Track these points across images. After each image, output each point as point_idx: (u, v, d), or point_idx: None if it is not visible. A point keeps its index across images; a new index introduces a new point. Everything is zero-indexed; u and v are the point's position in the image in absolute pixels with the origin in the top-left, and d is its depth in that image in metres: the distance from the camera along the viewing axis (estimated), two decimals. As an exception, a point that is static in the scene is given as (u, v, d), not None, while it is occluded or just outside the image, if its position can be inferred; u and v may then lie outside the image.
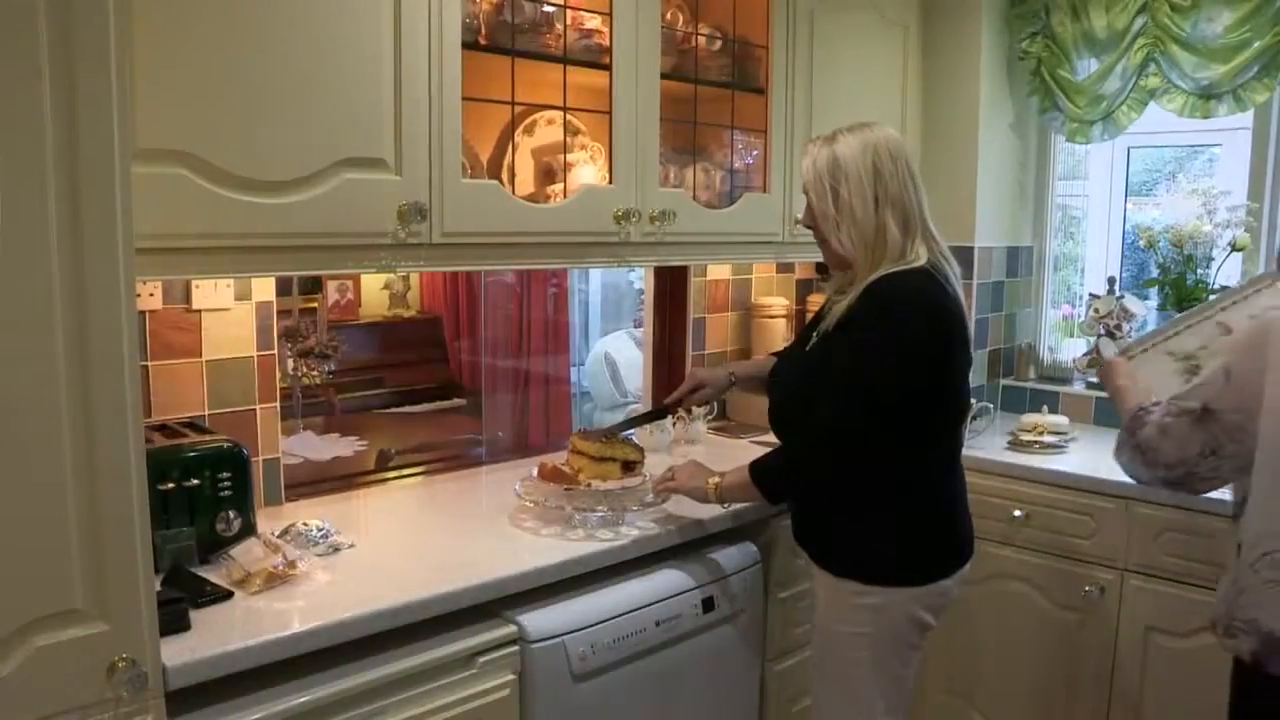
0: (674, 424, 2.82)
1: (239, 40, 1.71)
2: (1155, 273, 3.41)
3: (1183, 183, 3.52)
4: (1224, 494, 2.05)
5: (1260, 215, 3.28)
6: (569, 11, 2.26)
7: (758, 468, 2.10)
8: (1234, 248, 3.26)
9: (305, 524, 2.01)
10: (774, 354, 2.54)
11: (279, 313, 2.28)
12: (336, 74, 1.84)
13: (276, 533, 1.97)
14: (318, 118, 1.82)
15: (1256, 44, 3.04)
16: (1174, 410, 1.94)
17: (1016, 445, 3.06)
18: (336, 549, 1.99)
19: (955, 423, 2.15)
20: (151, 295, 2.04)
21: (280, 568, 1.80)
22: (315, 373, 3.41)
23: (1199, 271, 3.31)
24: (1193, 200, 3.33)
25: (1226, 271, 3.33)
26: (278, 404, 2.27)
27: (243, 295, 2.17)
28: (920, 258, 2.02)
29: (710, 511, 2.28)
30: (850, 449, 2.01)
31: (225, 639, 1.57)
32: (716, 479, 2.17)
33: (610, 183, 2.30)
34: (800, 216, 2.17)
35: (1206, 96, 3.19)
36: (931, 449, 2.09)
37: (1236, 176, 3.40)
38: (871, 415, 1.97)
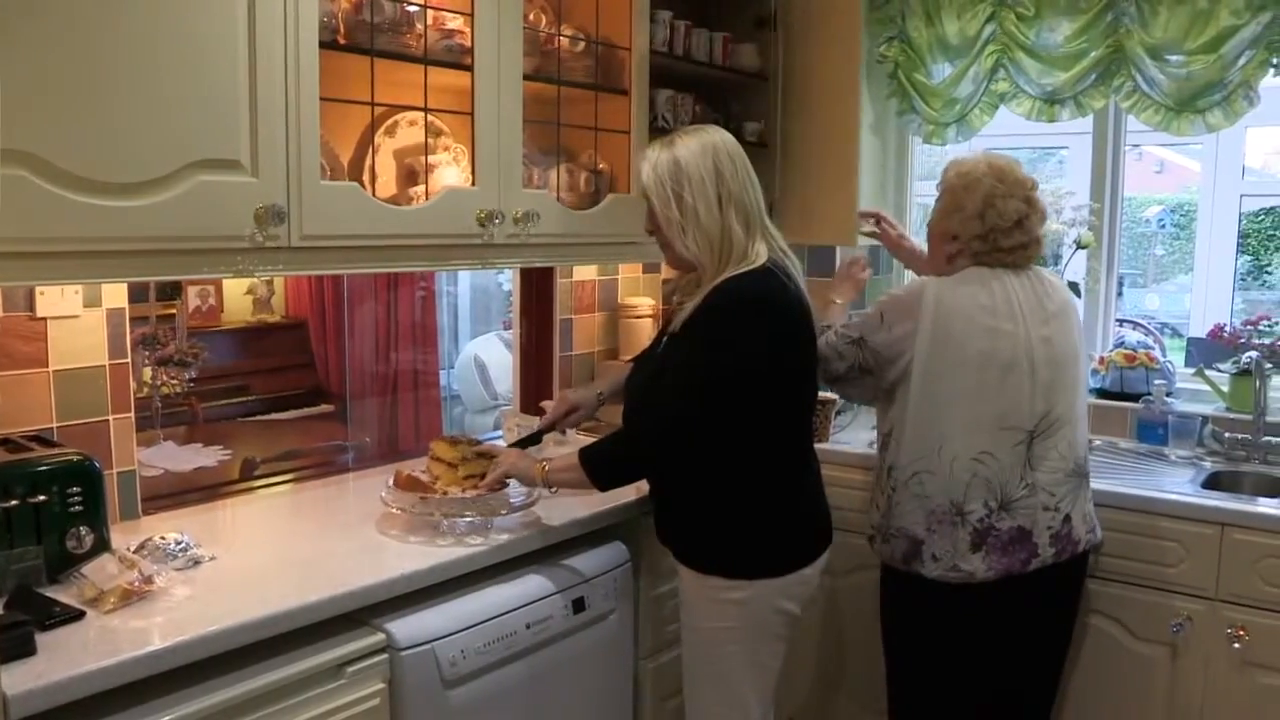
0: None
1: (83, 36, 1.64)
2: (1008, 269, 3.54)
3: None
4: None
5: (1102, 214, 3.45)
6: (430, 11, 2.24)
7: (588, 452, 2.13)
8: (1079, 245, 3.42)
9: (163, 538, 1.95)
10: (631, 360, 2.57)
11: (135, 319, 2.20)
12: (188, 73, 1.78)
13: (132, 548, 1.90)
14: (169, 118, 1.76)
15: (1093, 53, 3.20)
16: (840, 333, 2.41)
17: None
18: (197, 562, 1.93)
19: (804, 414, 2.22)
20: (-9, 303, 1.95)
21: (136, 584, 1.74)
22: (175, 381, 3.30)
23: (1049, 267, 3.46)
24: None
25: (1074, 267, 3.49)
26: (133, 414, 2.19)
27: (92, 302, 2.09)
28: (761, 256, 2.08)
29: (578, 513, 2.30)
30: (684, 440, 2.05)
31: (77, 661, 1.52)
32: (544, 463, 2.18)
33: (473, 184, 2.29)
34: (645, 222, 2.19)
35: (1051, 101, 3.34)
36: (782, 441, 2.16)
37: (1083, 177, 3.57)
38: (708, 411, 2.03)
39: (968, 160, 2.43)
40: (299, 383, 5.14)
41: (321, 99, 1.99)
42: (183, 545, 1.94)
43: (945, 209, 2.40)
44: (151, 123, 1.74)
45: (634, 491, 2.36)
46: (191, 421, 3.74)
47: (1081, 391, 2.41)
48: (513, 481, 2.26)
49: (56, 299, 2.03)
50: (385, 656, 1.87)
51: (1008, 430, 2.25)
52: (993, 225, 2.31)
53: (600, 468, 2.12)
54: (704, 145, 2.09)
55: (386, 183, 2.34)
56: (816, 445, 2.34)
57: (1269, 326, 3.25)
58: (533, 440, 2.48)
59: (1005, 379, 2.25)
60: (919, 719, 2.51)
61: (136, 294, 2.39)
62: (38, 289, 1.99)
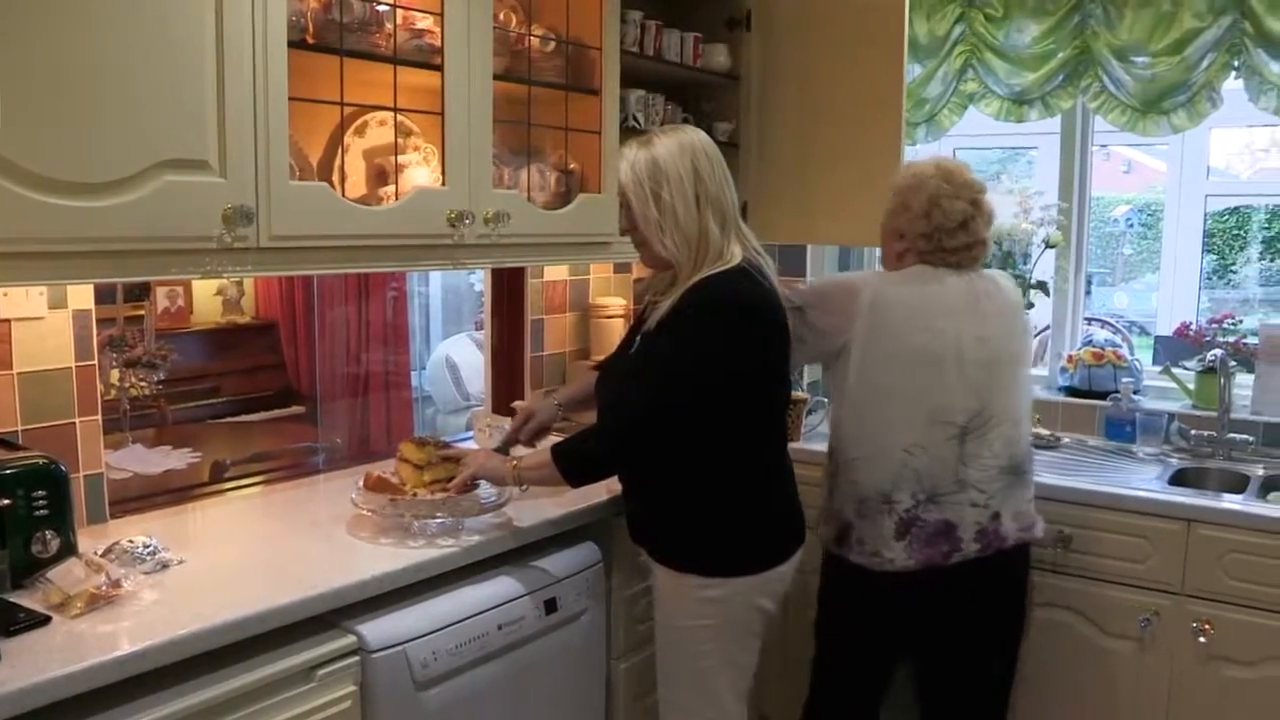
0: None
1: (47, 33, 1.62)
2: (978, 268, 3.57)
3: (1006, 183, 3.70)
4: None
5: (1070, 214, 3.48)
6: (399, 11, 2.23)
7: (560, 449, 2.12)
8: (1048, 244, 3.46)
9: (131, 541, 1.93)
10: (594, 367, 2.58)
11: (102, 321, 2.18)
12: (155, 72, 1.76)
13: (100, 551, 1.88)
14: (135, 118, 1.74)
15: (1060, 54, 3.24)
16: (785, 296, 2.35)
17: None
18: (165, 565, 1.91)
19: (779, 413, 2.23)
20: (-47, 305, 1.93)
21: (103, 588, 1.72)
22: (144, 383, 3.28)
23: (1019, 267, 3.49)
24: (1010, 200, 3.51)
25: (1043, 267, 3.53)
26: (99, 417, 2.17)
27: (58, 303, 2.07)
28: (736, 256, 2.09)
29: (550, 513, 2.30)
30: (658, 437, 2.06)
31: (43, 667, 1.50)
32: (514, 461, 2.17)
33: (443, 184, 2.28)
34: (621, 222, 2.20)
35: (1019, 102, 3.38)
36: (758, 439, 2.17)
37: (1052, 177, 3.61)
38: (682, 409, 2.03)
39: (918, 162, 2.47)
40: (269, 384, 5.11)
41: (290, 99, 1.97)
42: (151, 548, 1.92)
43: (894, 208, 2.44)
44: (117, 122, 1.72)
45: (605, 491, 2.36)
46: (160, 423, 3.71)
47: (1020, 392, 2.44)
48: (483, 482, 2.25)
49: (20, 300, 2.01)
50: (356, 659, 1.86)
51: (940, 425, 2.31)
52: (938, 225, 2.35)
53: (573, 464, 2.11)
54: (682, 145, 2.10)
55: (356, 183, 2.33)
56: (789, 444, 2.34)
57: (1233, 325, 3.30)
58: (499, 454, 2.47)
59: (938, 375, 2.30)
60: (834, 703, 2.57)
61: (104, 295, 2.36)
62: (1, 290, 1.97)
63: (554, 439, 2.29)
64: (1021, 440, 2.42)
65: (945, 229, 2.35)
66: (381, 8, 2.20)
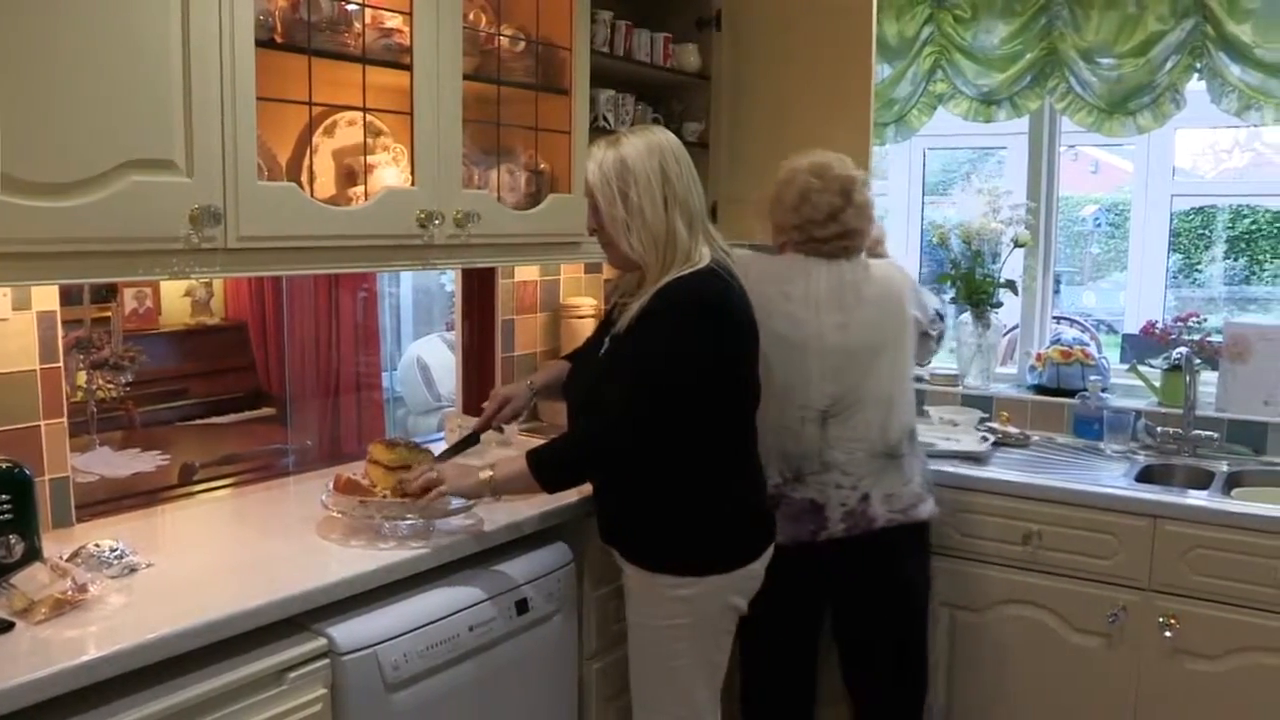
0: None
1: (11, 34, 1.61)
2: (949, 268, 3.60)
3: (976, 183, 3.73)
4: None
5: (1038, 213, 3.51)
6: (368, 10, 2.22)
7: (535, 456, 2.09)
8: (1016, 243, 3.48)
9: (97, 545, 1.91)
10: (566, 357, 2.57)
11: (68, 322, 2.16)
12: (120, 71, 1.75)
13: (65, 556, 1.86)
14: (100, 117, 1.73)
15: (1028, 55, 3.27)
16: None
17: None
18: (133, 569, 1.90)
19: (749, 412, 2.23)
20: (-86, 307, 1.90)
21: (69, 593, 1.71)
22: (111, 385, 3.24)
23: (988, 266, 3.52)
24: (980, 199, 3.54)
25: (1011, 265, 3.55)
26: (65, 419, 2.15)
27: (22, 304, 2.04)
28: (704, 258, 2.09)
29: (520, 514, 2.29)
30: (633, 440, 2.06)
31: (6, 674, 1.48)
32: (489, 472, 2.11)
33: (413, 185, 2.27)
34: (588, 221, 2.20)
35: (988, 102, 3.41)
36: (728, 438, 2.17)
37: (1021, 177, 3.64)
38: (656, 412, 2.03)
39: (796, 158, 2.54)
40: (239, 386, 5.05)
41: (258, 99, 1.96)
42: (118, 552, 1.91)
43: (771, 203, 2.55)
44: (82, 122, 1.71)
45: (575, 493, 2.36)
46: (128, 426, 3.67)
47: (890, 377, 2.51)
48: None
49: (-16, 302, 1.99)
50: (327, 661, 1.85)
51: (801, 408, 2.43)
52: (807, 218, 2.47)
53: (548, 471, 2.09)
54: (650, 146, 2.10)
55: (325, 183, 2.32)
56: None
57: (1198, 323, 3.33)
58: (471, 441, 2.46)
59: (799, 361, 2.39)
60: (761, 673, 2.66)
61: (69, 297, 2.34)
62: (-36, 292, 1.95)
63: (521, 430, 2.26)
64: (895, 425, 2.49)
65: (814, 221, 2.46)
66: (350, 7, 2.20)
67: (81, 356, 2.79)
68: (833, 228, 2.46)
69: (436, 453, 2.36)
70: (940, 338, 2.76)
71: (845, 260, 2.50)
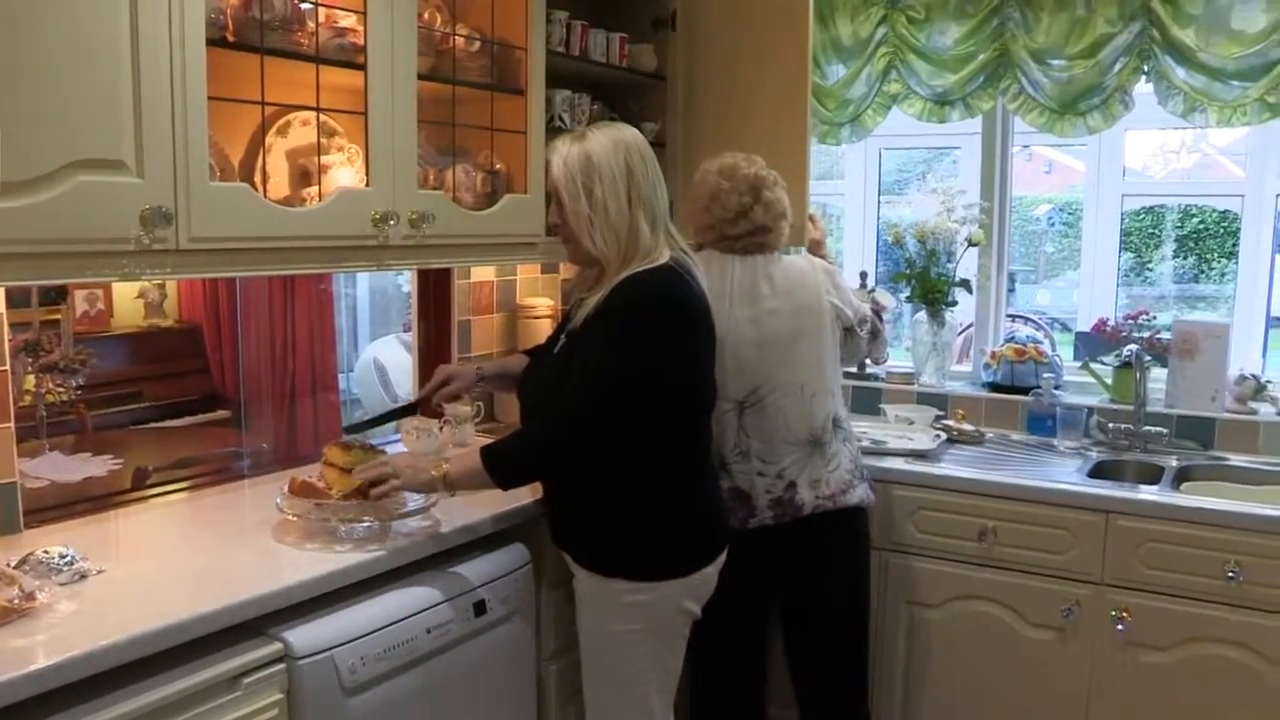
0: (441, 428, 2.78)
1: (-50, 32, 1.58)
2: (905, 267, 3.63)
3: (931, 182, 3.76)
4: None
5: (992, 213, 3.55)
6: (322, 9, 2.21)
7: (489, 451, 2.07)
8: (970, 242, 3.52)
9: (46, 551, 1.87)
10: (524, 351, 2.57)
11: (16, 325, 2.13)
12: (67, 69, 1.72)
13: (12, 563, 1.83)
14: (47, 116, 1.70)
15: (981, 56, 3.30)
16: None
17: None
18: (83, 576, 1.87)
19: (705, 412, 2.24)
20: None
21: (16, 601, 1.67)
22: (61, 389, 3.19)
23: (943, 265, 3.55)
24: (934, 199, 3.57)
25: (966, 264, 3.59)
26: (13, 424, 2.12)
27: (-34, 308, 2.01)
28: (664, 255, 2.09)
29: (478, 515, 2.28)
30: (588, 437, 2.04)
31: (-49, 682, 1.45)
32: (445, 467, 2.09)
33: (368, 185, 2.26)
34: (550, 216, 2.19)
35: (941, 102, 3.44)
36: (684, 439, 2.17)
37: (975, 177, 3.67)
38: (613, 408, 2.02)
39: (709, 160, 2.61)
40: (193, 388, 4.99)
41: (210, 98, 1.93)
42: (68, 559, 1.88)
43: (687, 201, 2.64)
44: (28, 120, 1.68)
45: (531, 493, 2.35)
46: (80, 430, 3.61)
47: (808, 367, 2.55)
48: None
49: (-72, 305, 1.95)
50: (283, 666, 1.83)
51: (719, 399, 2.39)
52: (718, 217, 2.54)
53: (501, 466, 2.07)
54: (616, 142, 2.10)
55: (279, 184, 2.30)
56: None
57: (1148, 321, 3.39)
58: (408, 411, 2.48)
59: (715, 354, 2.36)
60: (712, 662, 2.65)
61: (17, 299, 2.30)
62: (-93, 295, 1.91)
63: (466, 408, 2.23)
64: (816, 413, 2.54)
65: (725, 219, 2.53)
66: (304, 6, 2.18)
67: (30, 360, 2.75)
68: (743, 225, 2.53)
69: (391, 453, 2.34)
70: (874, 338, 2.75)
71: (759, 255, 2.56)
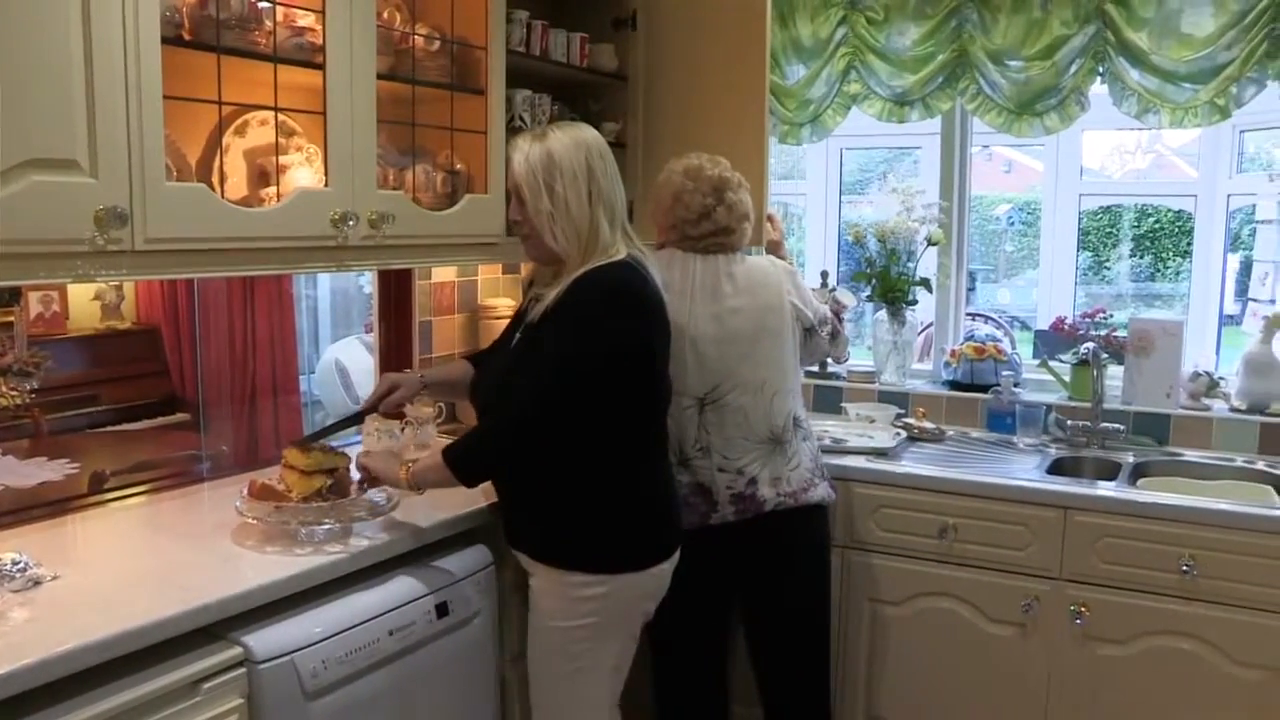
0: (403, 429, 2.78)
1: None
2: (865, 267, 3.65)
3: (892, 182, 3.79)
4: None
5: (951, 212, 3.58)
6: (280, 8, 2.19)
7: (450, 449, 2.12)
8: (930, 242, 3.55)
9: (-2, 558, 1.86)
10: (470, 358, 2.56)
11: (-33, 328, 2.09)
12: (18, 67, 1.69)
13: (-36, 570, 1.81)
14: (-3, 115, 1.68)
15: (940, 57, 3.33)
16: None
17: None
18: (37, 582, 1.84)
19: (661, 406, 2.26)
20: None
21: (-32, 608, 1.66)
22: (15, 392, 3.14)
23: (904, 264, 3.58)
24: (894, 199, 3.60)
25: (926, 263, 3.62)
26: (-35, 428, 2.09)
27: (-83, 311, 1.98)
28: (621, 252, 2.11)
29: (439, 516, 2.28)
30: (545, 431, 2.06)
31: (-99, 692, 1.43)
32: (410, 463, 2.16)
33: (326, 185, 2.24)
34: (510, 213, 2.20)
35: (901, 103, 3.47)
36: (638, 433, 2.18)
37: (935, 177, 3.70)
38: (571, 400, 2.04)
39: (674, 161, 2.64)
40: (152, 391, 4.93)
41: (166, 97, 1.91)
42: (20, 565, 1.85)
43: (650, 200, 2.67)
44: (-22, 121, 1.65)
45: (489, 496, 2.35)
46: (35, 434, 3.56)
47: (768, 365, 2.57)
48: (371, 487, 2.23)
49: (-123, 308, 1.92)
50: (243, 670, 1.82)
51: (679, 395, 2.46)
52: (681, 217, 2.57)
53: (463, 462, 2.10)
54: (577, 141, 2.12)
55: (237, 184, 2.28)
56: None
57: (1105, 319, 3.43)
58: (354, 420, 2.49)
59: (677, 351, 2.41)
60: (675, 658, 2.70)
61: (-33, 301, 2.26)
62: None
63: (428, 409, 2.23)
64: (777, 411, 2.56)
65: (687, 220, 2.56)
66: (262, 5, 2.16)
67: (-20, 363, 2.71)
68: (705, 225, 2.55)
69: (353, 455, 2.33)
70: (834, 339, 2.78)
71: (721, 255, 2.58)
